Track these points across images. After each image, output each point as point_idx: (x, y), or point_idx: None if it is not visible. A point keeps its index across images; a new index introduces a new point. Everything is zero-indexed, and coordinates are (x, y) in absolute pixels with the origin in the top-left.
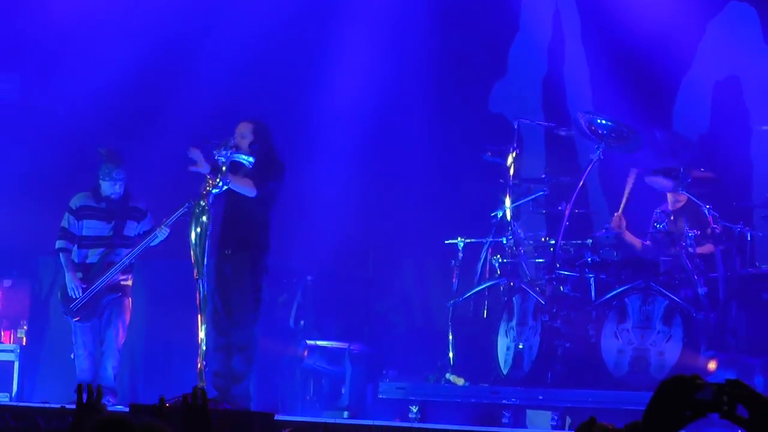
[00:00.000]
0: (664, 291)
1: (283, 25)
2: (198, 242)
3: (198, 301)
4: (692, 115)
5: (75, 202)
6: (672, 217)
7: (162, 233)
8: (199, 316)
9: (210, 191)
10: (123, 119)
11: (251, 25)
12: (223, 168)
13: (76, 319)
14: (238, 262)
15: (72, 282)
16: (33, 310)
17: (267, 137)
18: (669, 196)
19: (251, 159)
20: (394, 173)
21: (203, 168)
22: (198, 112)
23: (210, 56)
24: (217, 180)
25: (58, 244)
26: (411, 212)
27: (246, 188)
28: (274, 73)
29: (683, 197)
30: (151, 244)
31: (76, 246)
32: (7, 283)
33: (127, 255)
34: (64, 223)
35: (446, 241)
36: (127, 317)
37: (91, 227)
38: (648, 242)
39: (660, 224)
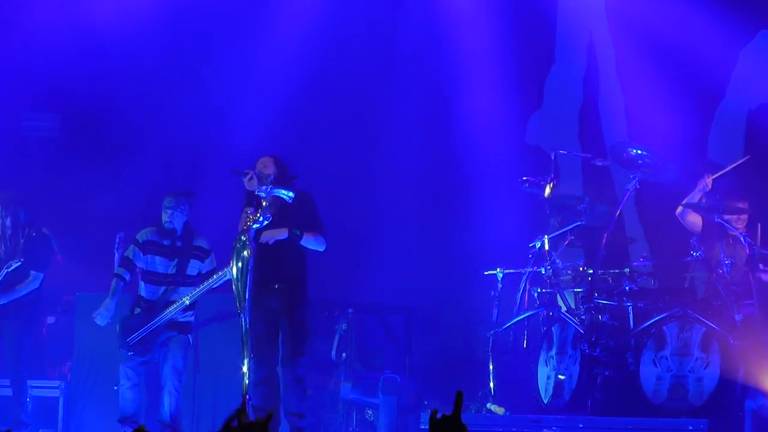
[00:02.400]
0: (701, 318)
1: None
2: (240, 277)
3: (241, 335)
4: (727, 144)
5: (142, 235)
6: (709, 245)
7: (230, 274)
8: (243, 350)
9: (251, 226)
10: (179, 160)
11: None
12: (264, 203)
13: (131, 353)
14: (286, 295)
15: (103, 308)
16: (77, 346)
17: (286, 166)
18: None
19: (291, 194)
20: (433, 205)
21: (253, 185)
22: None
23: (250, 97)
24: (258, 215)
25: (119, 270)
26: (450, 243)
27: (318, 242)
28: (312, 111)
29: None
30: (220, 284)
31: (141, 281)
32: (50, 320)
33: (187, 294)
34: (128, 254)
35: (485, 272)
36: (188, 355)
37: (154, 263)
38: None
39: (696, 252)
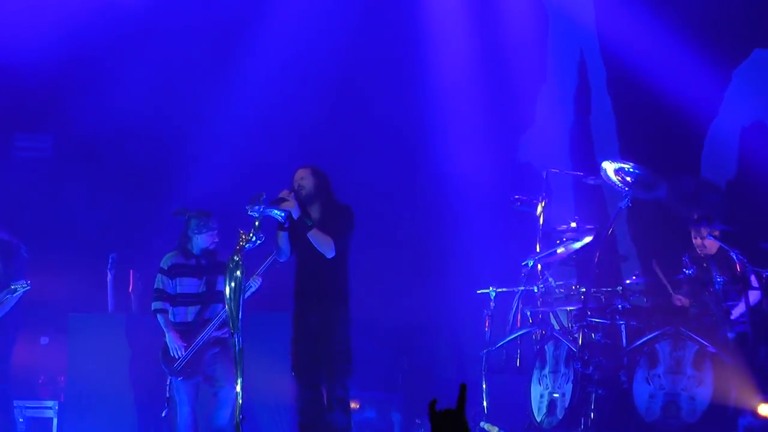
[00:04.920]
0: (693, 336)
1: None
2: (233, 296)
3: (234, 355)
4: (719, 162)
5: (165, 262)
6: (701, 263)
7: (255, 283)
8: (236, 370)
9: (243, 246)
10: (175, 178)
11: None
12: (256, 223)
13: (180, 377)
14: (326, 313)
15: (173, 342)
16: (70, 367)
17: (326, 178)
18: (697, 241)
19: (282, 214)
20: (425, 224)
21: (292, 207)
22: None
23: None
24: (251, 235)
25: (155, 305)
26: (443, 263)
27: (326, 247)
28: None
29: (711, 243)
30: (245, 297)
31: (170, 305)
32: (44, 340)
33: (222, 310)
34: (158, 284)
35: (478, 291)
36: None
37: (184, 285)
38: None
39: (689, 270)
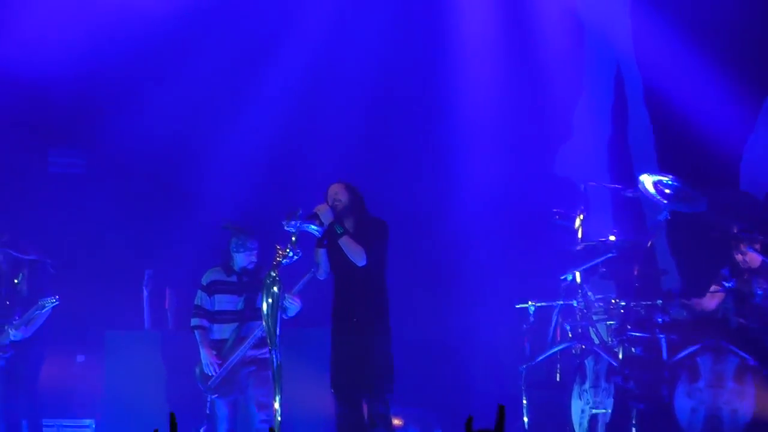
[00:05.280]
0: (734, 349)
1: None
2: (270, 312)
3: (272, 372)
4: (758, 174)
5: (206, 278)
6: (741, 276)
7: (292, 305)
8: (274, 388)
9: (280, 262)
10: (210, 194)
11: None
12: (293, 238)
13: (215, 395)
14: (366, 329)
15: (207, 359)
16: (107, 385)
17: (359, 194)
18: (738, 255)
19: (319, 229)
20: (462, 239)
21: (324, 212)
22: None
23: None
24: (287, 250)
25: (193, 321)
26: (481, 277)
27: (356, 255)
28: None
29: (752, 256)
30: (285, 317)
31: (209, 322)
32: (80, 358)
33: (258, 328)
34: (197, 301)
35: (517, 305)
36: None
37: (223, 302)
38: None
39: (728, 283)
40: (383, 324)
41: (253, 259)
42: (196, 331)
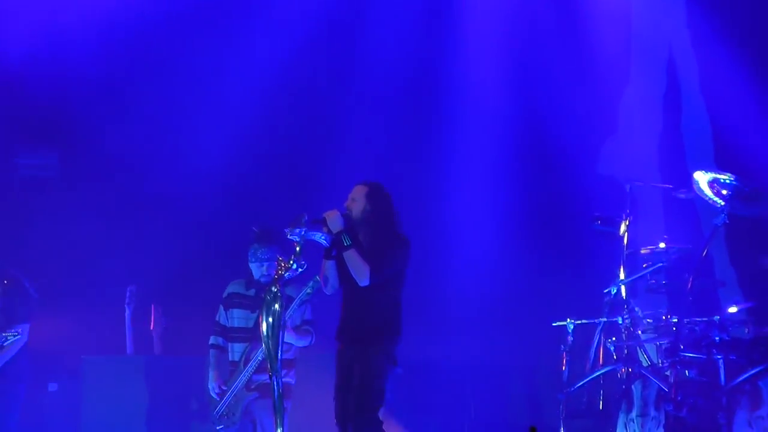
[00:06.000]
0: None
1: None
2: (271, 333)
3: (273, 401)
4: None
5: (227, 289)
6: None
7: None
8: (275, 418)
9: (282, 275)
10: (200, 199)
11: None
12: (297, 248)
13: (220, 426)
14: (364, 346)
15: (210, 382)
16: (84, 417)
17: (385, 203)
18: None
19: (326, 238)
20: (492, 249)
21: (333, 217)
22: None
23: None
24: (291, 262)
25: (211, 339)
26: (513, 292)
27: (359, 272)
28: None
29: None
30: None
31: (224, 340)
32: (52, 387)
33: (260, 350)
34: (217, 316)
35: (554, 324)
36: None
37: (237, 318)
38: None
39: None
40: (384, 343)
41: (265, 271)
42: (210, 350)
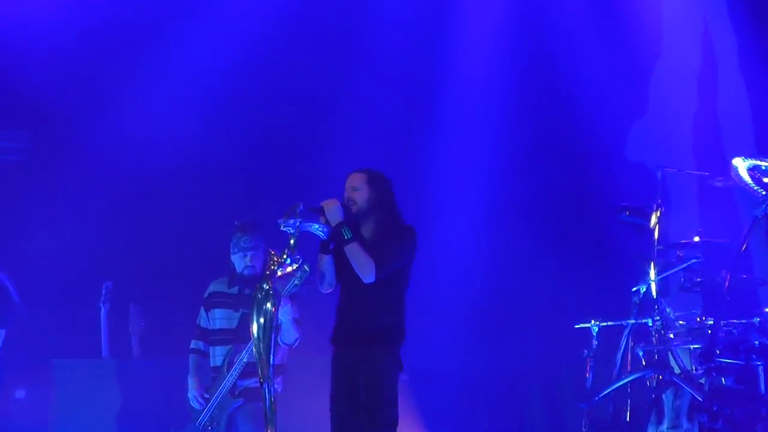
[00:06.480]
0: None
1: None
2: (262, 336)
3: (264, 411)
4: None
5: (208, 289)
6: None
7: (287, 326)
8: (267, 428)
9: (275, 270)
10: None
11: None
12: (292, 241)
13: None
14: (370, 354)
15: (190, 390)
16: (58, 422)
17: (388, 190)
18: None
19: (324, 229)
20: (507, 243)
21: (332, 207)
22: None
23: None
24: (284, 256)
25: (192, 343)
26: (531, 291)
27: (363, 268)
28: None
29: None
30: (283, 344)
31: (205, 344)
32: (19, 394)
33: (246, 352)
34: (198, 318)
35: (576, 326)
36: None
37: (219, 318)
38: None
39: None
40: (392, 349)
41: (248, 262)
42: (189, 356)
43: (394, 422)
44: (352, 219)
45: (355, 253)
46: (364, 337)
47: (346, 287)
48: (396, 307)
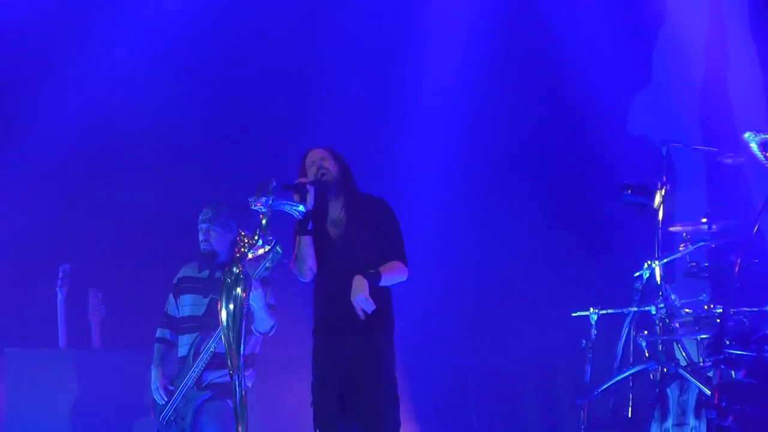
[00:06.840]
0: None
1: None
2: (232, 324)
3: (234, 405)
4: None
5: (178, 274)
6: None
7: (259, 313)
8: (237, 425)
9: (245, 253)
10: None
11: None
12: (263, 221)
13: None
14: (365, 344)
15: (153, 382)
16: (7, 414)
17: (347, 164)
18: None
19: (301, 208)
20: (501, 225)
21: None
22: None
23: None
24: (255, 237)
25: (158, 332)
26: (526, 277)
27: (400, 276)
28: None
29: None
30: (257, 333)
31: (172, 332)
32: None
33: (213, 341)
34: (166, 306)
35: (573, 314)
36: (228, 425)
37: (188, 305)
38: None
39: None
40: (387, 338)
41: (202, 237)
42: (155, 344)
43: (397, 398)
44: (326, 187)
45: (391, 278)
46: (363, 324)
47: (332, 272)
48: (386, 290)
